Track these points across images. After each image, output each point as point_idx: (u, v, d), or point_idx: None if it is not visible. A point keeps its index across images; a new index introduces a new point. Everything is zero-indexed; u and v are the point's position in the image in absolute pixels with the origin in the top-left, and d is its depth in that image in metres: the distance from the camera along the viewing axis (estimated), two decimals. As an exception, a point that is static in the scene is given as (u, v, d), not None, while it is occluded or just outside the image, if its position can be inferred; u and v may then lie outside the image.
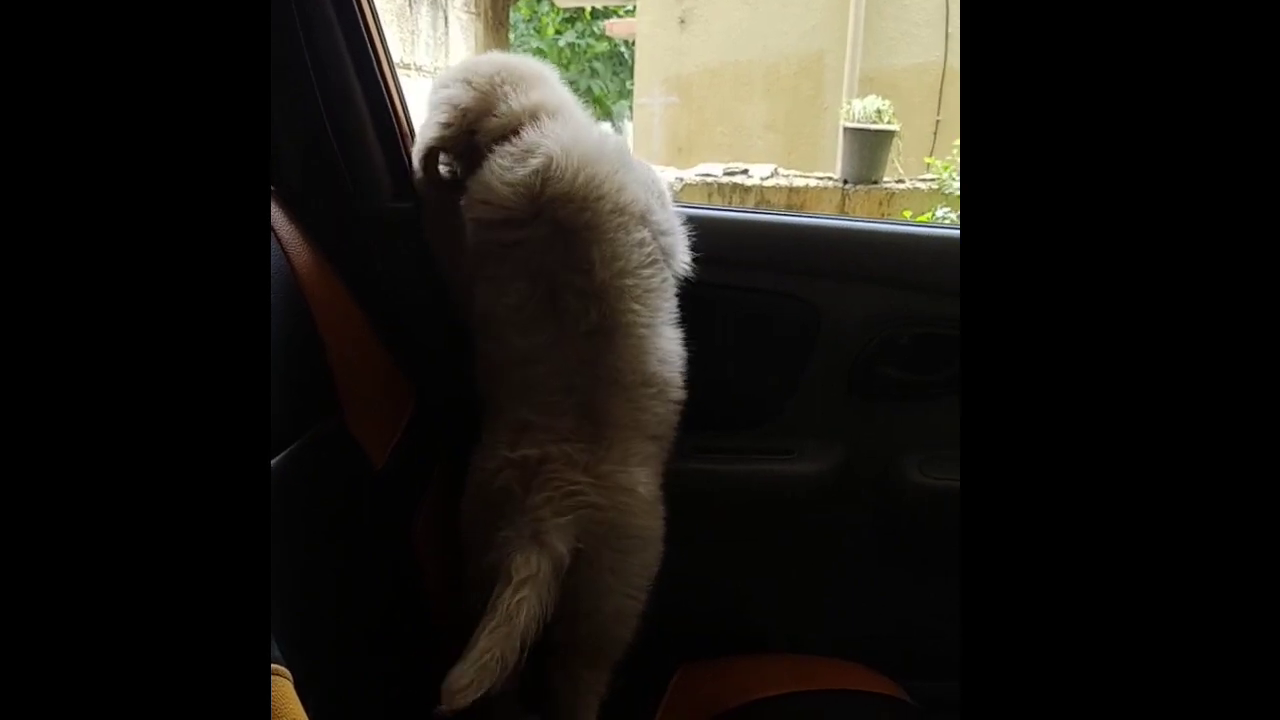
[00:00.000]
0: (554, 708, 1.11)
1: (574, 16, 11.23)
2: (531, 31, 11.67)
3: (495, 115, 1.09)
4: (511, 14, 8.47)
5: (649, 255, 1.07)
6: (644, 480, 1.06)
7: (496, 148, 1.07)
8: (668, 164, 4.83)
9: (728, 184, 4.00)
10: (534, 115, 1.08)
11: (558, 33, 11.53)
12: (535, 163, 1.02)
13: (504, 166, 1.04)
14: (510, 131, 1.07)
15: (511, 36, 9.85)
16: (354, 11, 1.13)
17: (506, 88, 1.11)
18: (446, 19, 5.11)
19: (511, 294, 1.06)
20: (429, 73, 4.77)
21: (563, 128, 1.06)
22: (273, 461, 0.90)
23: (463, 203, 1.10)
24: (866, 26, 4.72)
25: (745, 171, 4.06)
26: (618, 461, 1.04)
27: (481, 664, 0.89)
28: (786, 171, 4.18)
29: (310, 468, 0.96)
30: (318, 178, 1.15)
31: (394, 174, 1.22)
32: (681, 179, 4.03)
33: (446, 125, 1.11)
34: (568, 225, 1.03)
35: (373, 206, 1.19)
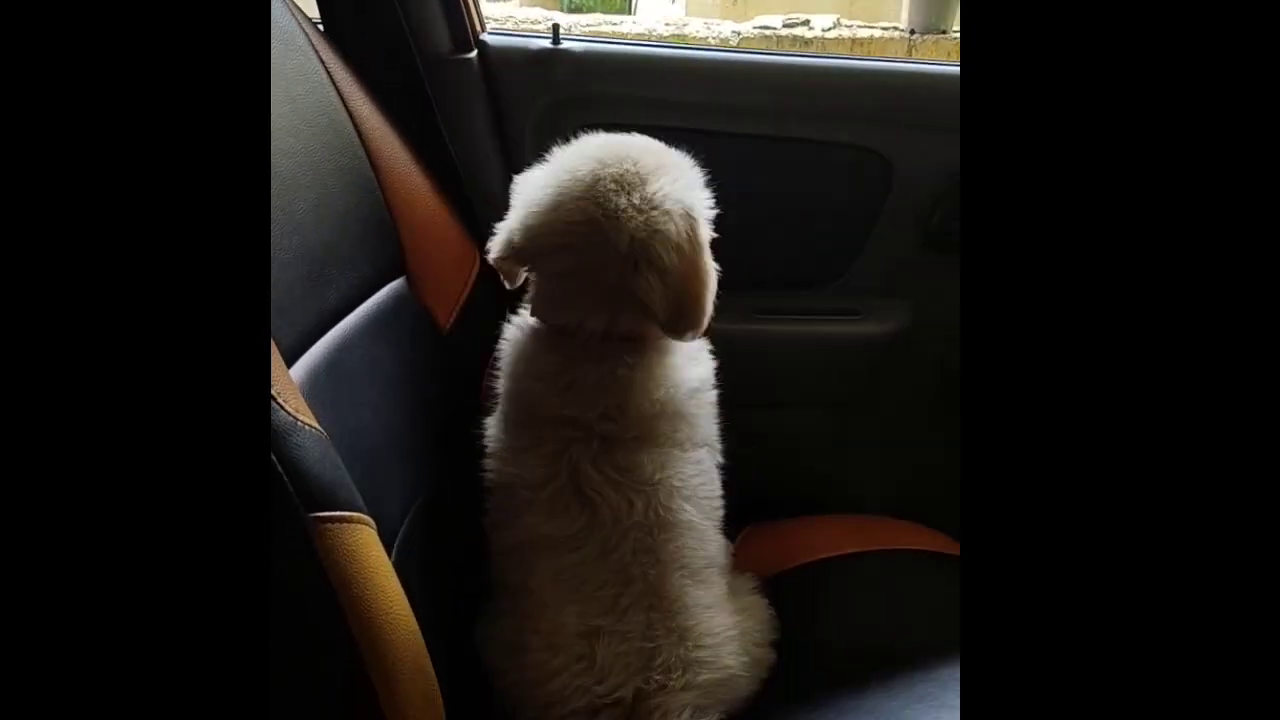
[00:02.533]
0: None
1: None
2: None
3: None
4: None
5: (704, 471, 0.98)
6: (738, 647, 0.95)
7: None
8: (724, 17, 4.62)
9: (786, 36, 3.82)
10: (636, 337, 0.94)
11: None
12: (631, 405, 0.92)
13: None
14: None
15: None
16: None
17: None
18: None
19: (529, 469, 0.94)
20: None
21: (657, 362, 0.95)
22: (348, 318, 0.91)
23: None
24: None
25: (806, 23, 3.86)
26: (708, 643, 0.92)
27: None
28: (849, 22, 3.97)
29: (381, 325, 0.97)
30: (373, 19, 1.13)
31: (451, 23, 1.18)
32: (738, 33, 3.86)
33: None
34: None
35: (432, 52, 1.17)
